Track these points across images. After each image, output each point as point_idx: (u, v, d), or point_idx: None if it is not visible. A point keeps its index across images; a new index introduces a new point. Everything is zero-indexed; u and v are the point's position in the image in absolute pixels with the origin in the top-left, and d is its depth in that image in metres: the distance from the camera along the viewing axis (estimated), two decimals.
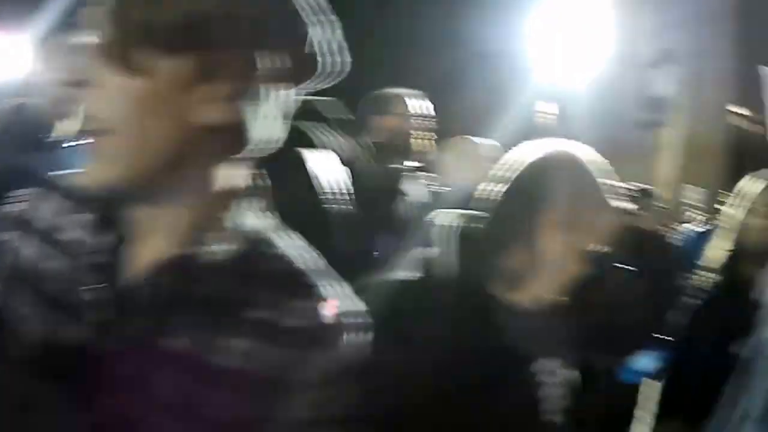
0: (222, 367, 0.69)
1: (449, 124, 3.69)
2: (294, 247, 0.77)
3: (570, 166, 1.33)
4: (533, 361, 1.31)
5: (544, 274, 1.30)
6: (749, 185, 2.32)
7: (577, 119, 9.76)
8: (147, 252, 0.73)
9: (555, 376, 1.36)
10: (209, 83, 0.69)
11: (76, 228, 0.76)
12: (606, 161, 1.36)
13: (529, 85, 8.41)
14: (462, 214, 1.37)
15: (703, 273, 2.35)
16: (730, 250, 2.29)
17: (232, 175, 0.75)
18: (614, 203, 1.33)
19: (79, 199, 0.77)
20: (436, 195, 2.76)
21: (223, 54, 0.69)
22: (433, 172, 2.97)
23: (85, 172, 0.72)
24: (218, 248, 0.72)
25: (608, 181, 1.34)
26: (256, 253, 0.75)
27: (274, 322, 0.71)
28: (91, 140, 0.71)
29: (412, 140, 2.84)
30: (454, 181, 2.69)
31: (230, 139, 0.72)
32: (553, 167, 1.33)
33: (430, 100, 2.91)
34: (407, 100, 2.87)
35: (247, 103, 0.71)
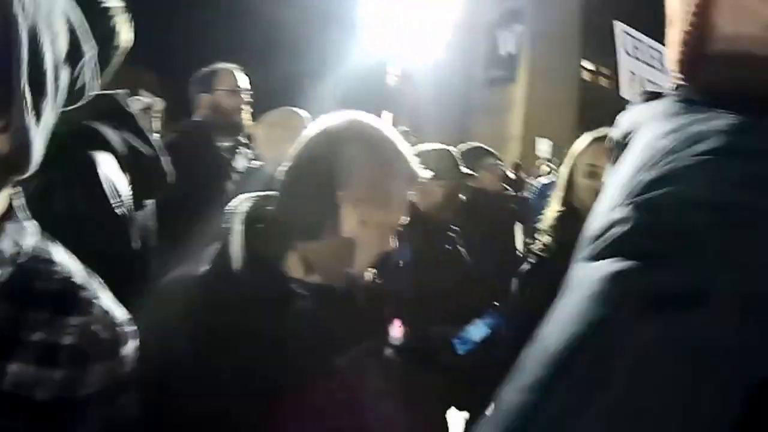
0: (10, 393, 0.70)
1: (279, 97, 3.54)
2: (63, 261, 0.79)
3: (361, 138, 1.22)
4: (348, 346, 1.21)
5: (351, 252, 1.21)
6: (578, 144, 2.27)
7: (427, 82, 9.83)
8: None
9: (376, 359, 1.29)
10: None
11: None
12: (396, 131, 1.27)
13: (374, 51, 8.35)
14: (257, 197, 1.27)
15: (538, 234, 2.29)
16: (559, 211, 2.23)
17: None
18: (419, 172, 1.25)
19: None
20: (256, 172, 2.58)
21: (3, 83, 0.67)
22: (253, 147, 2.82)
23: None
24: None
25: (409, 150, 1.25)
26: (30, 273, 0.75)
27: (53, 342, 0.72)
28: None
29: (240, 115, 2.79)
30: (271, 156, 2.50)
31: (7, 164, 0.70)
32: (341, 141, 1.21)
33: (261, 72, 2.85)
34: (233, 74, 2.83)
35: (23, 127, 0.70)
